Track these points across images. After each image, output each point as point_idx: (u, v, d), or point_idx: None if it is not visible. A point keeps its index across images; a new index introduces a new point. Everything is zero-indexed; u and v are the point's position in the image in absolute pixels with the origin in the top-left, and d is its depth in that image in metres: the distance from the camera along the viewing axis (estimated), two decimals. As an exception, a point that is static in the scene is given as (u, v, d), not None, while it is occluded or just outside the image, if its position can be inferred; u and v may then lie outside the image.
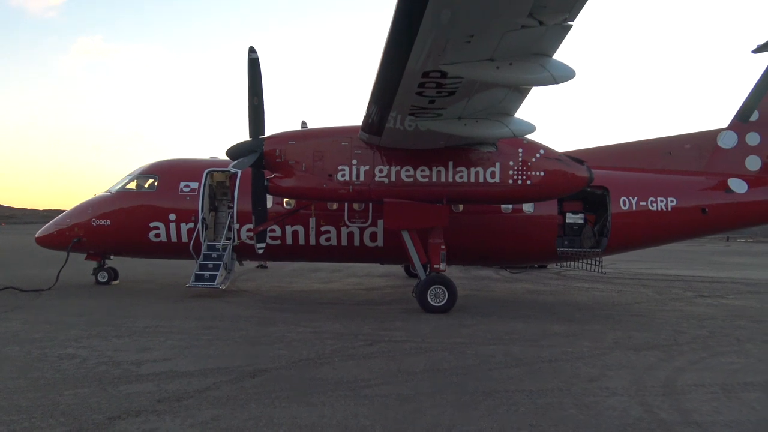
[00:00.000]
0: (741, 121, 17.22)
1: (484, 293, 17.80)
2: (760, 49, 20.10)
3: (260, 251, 14.55)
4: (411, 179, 13.20)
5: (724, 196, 16.59)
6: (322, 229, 15.92)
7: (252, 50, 12.78)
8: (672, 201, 16.28)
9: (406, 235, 13.74)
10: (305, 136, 13.55)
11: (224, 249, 16.17)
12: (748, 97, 17.39)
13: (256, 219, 14.01)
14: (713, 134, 17.38)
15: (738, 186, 16.62)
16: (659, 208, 16.20)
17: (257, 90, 12.92)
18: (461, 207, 15.66)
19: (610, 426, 6.42)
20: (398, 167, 13.16)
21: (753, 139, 17.02)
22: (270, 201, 15.11)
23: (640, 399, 7.35)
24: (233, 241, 16.24)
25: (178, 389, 7.43)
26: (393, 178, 13.17)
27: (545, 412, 6.81)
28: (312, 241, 16.05)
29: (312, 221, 15.80)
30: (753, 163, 16.97)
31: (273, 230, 15.84)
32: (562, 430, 6.26)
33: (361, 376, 8.17)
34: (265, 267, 23.25)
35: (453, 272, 22.15)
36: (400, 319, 12.74)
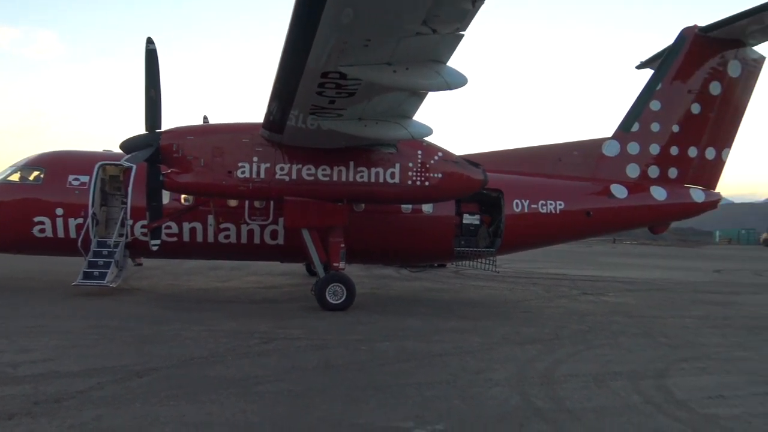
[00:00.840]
0: (623, 131, 18.50)
1: (383, 291, 18.14)
2: (642, 65, 21.74)
3: (155, 248, 14.12)
4: (312, 178, 13.26)
5: (606, 200, 17.76)
6: (221, 226, 15.62)
7: (150, 41, 12.40)
8: (560, 204, 17.24)
9: (306, 234, 13.79)
10: (204, 131, 13.29)
11: (116, 246, 15.53)
12: (630, 109, 18.71)
13: (151, 215, 13.58)
14: (599, 143, 18.57)
15: (619, 192, 17.84)
16: (549, 211, 17.11)
17: (154, 82, 12.54)
18: (363, 206, 15.88)
19: (490, 415, 6.80)
20: (300, 165, 13.18)
21: (633, 148, 18.32)
22: (166, 197, 14.68)
23: (520, 389, 7.81)
24: (126, 237, 15.62)
25: (57, 390, 7.13)
26: (294, 177, 13.18)
27: (431, 404, 7.10)
28: (210, 239, 15.72)
29: (211, 218, 15.50)
30: (633, 171, 18.26)
31: (169, 227, 15.37)
32: (446, 420, 6.56)
33: (254, 374, 8.17)
34: (140, 264, 21.96)
35: (354, 271, 22.35)
36: (298, 317, 12.78)
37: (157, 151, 12.83)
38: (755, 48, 18.45)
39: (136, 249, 16.03)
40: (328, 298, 13.59)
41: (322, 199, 13.41)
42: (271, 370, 8.38)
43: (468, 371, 8.68)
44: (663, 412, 7.02)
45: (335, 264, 13.88)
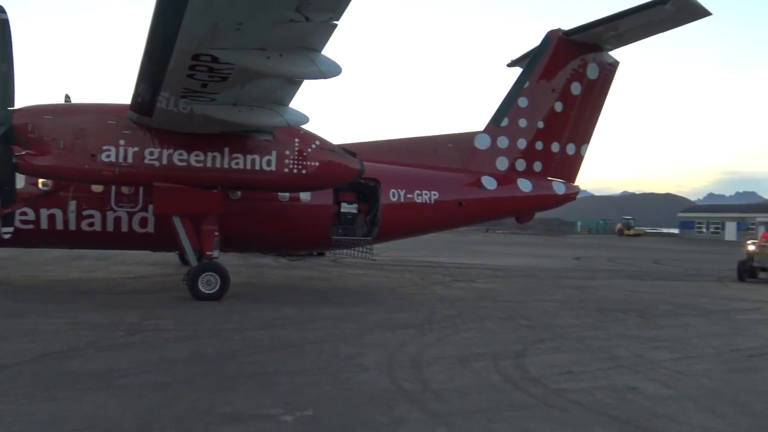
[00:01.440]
0: (494, 125, 19.46)
1: (260, 280, 17.93)
2: (513, 63, 22.92)
3: (6, 236, 13.02)
4: (184, 164, 12.81)
5: (477, 191, 18.62)
6: (84, 213, 14.66)
7: (1, 10, 11.38)
8: (435, 195, 17.85)
9: (177, 221, 13.31)
10: (65, 111, 12.43)
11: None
12: (500, 104, 19.70)
13: (3, 200, 12.52)
14: (471, 136, 19.41)
15: (489, 183, 18.76)
16: (424, 201, 17.66)
17: (6, 55, 11.55)
18: (239, 194, 15.54)
19: (360, 398, 6.97)
20: (171, 150, 12.69)
21: (503, 142, 19.32)
22: (21, 180, 13.57)
23: (389, 373, 8.06)
24: (-26, 224, 14.27)
25: None
26: (165, 162, 12.67)
27: (302, 390, 7.16)
28: (72, 226, 14.71)
29: (72, 204, 14.51)
30: (502, 164, 19.27)
31: (24, 213, 14.22)
32: (315, 406, 6.64)
33: (117, 367, 7.82)
34: None
35: (231, 260, 21.91)
36: (169, 308, 12.35)
37: (10, 131, 11.83)
38: (611, 53, 20.07)
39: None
40: (200, 287, 13.22)
41: (195, 185, 12.99)
42: (137, 363, 8.06)
43: (340, 357, 8.82)
44: (519, 389, 7.53)
45: (209, 253, 13.53)
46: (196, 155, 12.85)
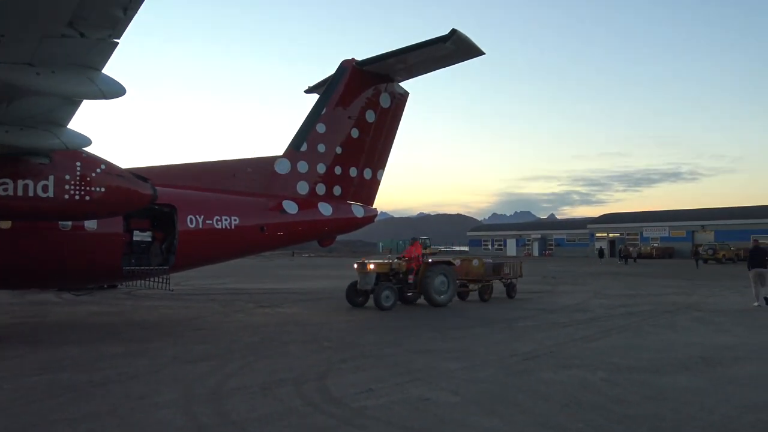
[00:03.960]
0: (294, 150, 19.64)
1: (38, 319, 16.04)
2: (310, 90, 23.41)
3: None
4: (-65, 189, 11.08)
5: (279, 216, 18.59)
6: None
7: None
8: (235, 220, 17.46)
9: (-72, 257, 11.44)
10: None
11: None
12: (299, 129, 19.96)
13: None
14: (271, 160, 19.38)
15: (290, 207, 18.85)
16: (224, 226, 17.18)
17: None
18: (9, 223, 13.78)
19: (152, 440, 6.51)
20: None
21: (303, 167, 19.57)
22: None
23: (186, 408, 7.65)
24: None
25: None
26: None
27: (84, 439, 6.51)
28: None
29: None
30: (302, 188, 19.49)
31: None
32: (100, 454, 6.07)
33: None
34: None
35: (2, 298, 19.38)
36: None
37: None
38: (402, 84, 21.42)
39: None
40: (-39, 332, 11.46)
41: (-50, 215, 11.29)
42: None
43: (131, 398, 8.17)
44: (320, 411, 7.58)
45: (-29, 292, 11.80)
46: (-46, 180, 11.19)
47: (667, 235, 79.28)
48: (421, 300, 19.63)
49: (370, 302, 19.04)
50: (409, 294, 19.49)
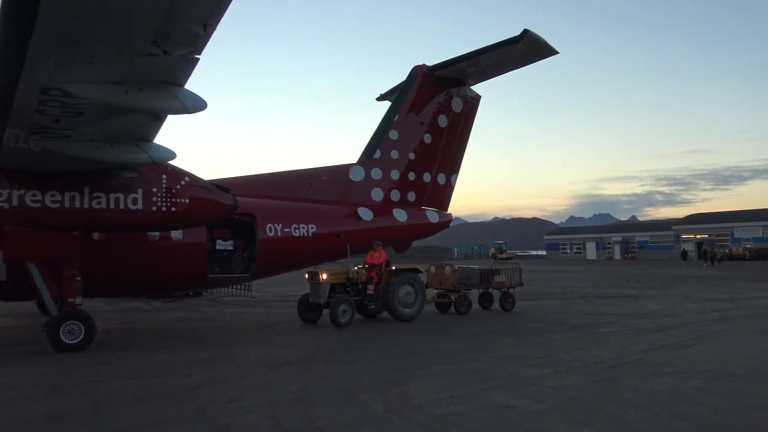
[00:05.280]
0: (367, 157, 19.83)
1: (130, 326, 16.84)
2: (382, 97, 23.60)
3: None
4: (38, 205, 11.86)
5: (355, 223, 18.81)
6: None
7: None
8: (312, 227, 17.80)
9: (33, 268, 12.23)
10: None
11: None
12: (372, 137, 20.15)
13: None
14: (346, 168, 19.65)
15: (365, 214, 19.03)
16: (302, 234, 17.54)
17: None
18: (103, 234, 14.59)
19: (239, 444, 6.66)
20: (22, 191, 11.71)
21: (377, 173, 19.73)
22: None
23: (271, 413, 7.78)
24: None
25: None
26: (15, 203, 11.66)
27: (176, 441, 6.73)
28: None
29: None
30: (377, 195, 19.65)
31: None
32: (191, 456, 6.26)
33: (-39, 435, 6.96)
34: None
35: (98, 305, 20.47)
36: (25, 363, 11.27)
37: None
38: (473, 87, 21.23)
39: None
40: (62, 338, 12.19)
41: (51, 228, 12.04)
42: (-16, 429, 7.22)
43: (218, 402, 8.41)
44: (403, 417, 7.54)
45: (70, 300, 12.55)
46: (52, 195, 11.94)
47: (760, 235, 74.58)
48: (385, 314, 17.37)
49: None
50: (372, 306, 17.09)
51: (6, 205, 11.55)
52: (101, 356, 11.89)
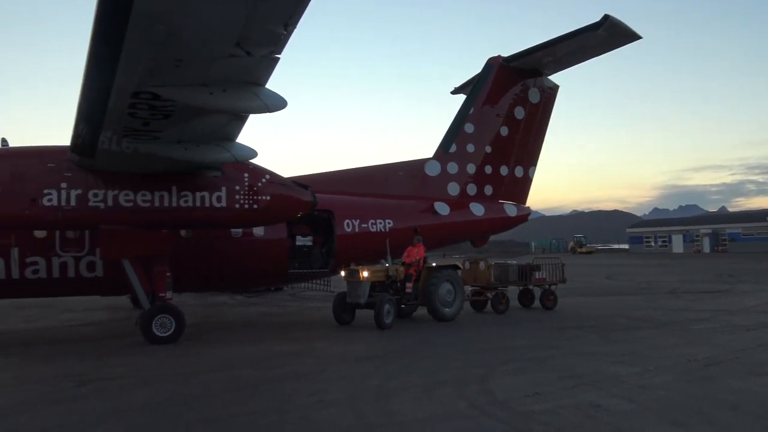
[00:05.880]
0: (443, 151, 19.70)
1: (216, 320, 17.48)
2: (456, 90, 23.38)
3: None
4: (131, 204, 12.48)
5: (431, 217, 18.74)
6: (28, 260, 14.02)
7: None
8: (389, 222, 17.87)
9: (127, 264, 12.89)
10: (1, 156, 11.99)
11: None
12: (447, 131, 19.99)
13: None
14: (421, 163, 19.60)
15: (442, 209, 18.92)
16: (378, 229, 17.64)
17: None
18: (190, 232, 15.20)
19: (324, 436, 6.76)
20: (116, 191, 12.35)
21: (453, 168, 19.57)
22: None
23: (354, 407, 7.86)
24: None
25: None
26: (110, 203, 12.31)
27: (263, 432, 6.91)
28: (15, 275, 14.02)
29: (14, 252, 13.86)
30: (453, 189, 19.50)
31: (-39, 264, 13.53)
32: (278, 447, 6.41)
33: (69, 421, 7.40)
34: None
35: (186, 300, 21.35)
36: (122, 354, 11.88)
37: None
38: (550, 77, 20.67)
39: None
40: (155, 331, 12.77)
41: (143, 226, 12.64)
42: (89, 415, 7.66)
43: (302, 395, 8.58)
44: (486, 414, 7.44)
45: (161, 294, 13.14)
46: (143, 195, 12.54)
47: None
48: (418, 313, 16.29)
49: (360, 320, 15.57)
50: (402, 306, 15.84)
51: (102, 205, 12.21)
52: (191, 348, 12.38)
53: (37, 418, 7.56)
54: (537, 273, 18.42)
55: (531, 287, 18.63)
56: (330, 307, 15.54)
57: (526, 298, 18.78)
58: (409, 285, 15.57)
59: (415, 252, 15.94)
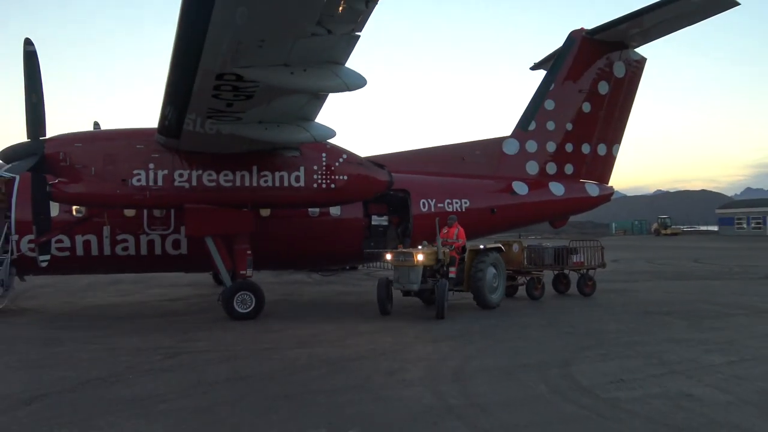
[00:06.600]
0: (522, 129, 19.15)
1: (294, 297, 17.83)
2: (536, 66, 22.63)
3: (44, 264, 13.13)
4: (214, 184, 12.83)
5: (509, 197, 18.32)
6: (119, 237, 14.74)
7: (28, 42, 11.58)
8: (466, 202, 17.61)
9: (210, 242, 13.30)
10: (94, 138, 12.57)
11: (0, 263, 14.35)
12: (526, 108, 19.41)
13: (38, 229, 12.66)
14: (499, 141, 19.13)
15: (520, 188, 18.45)
16: (455, 209, 17.39)
17: (35, 86, 11.72)
18: (269, 211, 15.50)
19: (404, 416, 6.75)
20: (200, 171, 12.72)
21: (531, 146, 19.01)
22: (55, 209, 13.71)
23: (433, 388, 7.81)
24: (11, 254, 14.45)
25: (-70, 427, 6.43)
26: (194, 183, 12.70)
27: (344, 409, 6.97)
28: (107, 252, 14.81)
29: (106, 230, 14.60)
30: (532, 168, 18.95)
31: (60, 241, 14.37)
32: (359, 424, 6.45)
33: (157, 392, 7.73)
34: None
35: (265, 277, 21.90)
36: (205, 329, 12.30)
37: (42, 160, 11.98)
38: (637, 50, 19.64)
39: (24, 266, 14.86)
40: (236, 307, 13.16)
41: (225, 205, 12.98)
42: (176, 387, 7.98)
43: (381, 373, 8.61)
44: (568, 400, 7.22)
45: (242, 272, 13.50)
46: (225, 175, 12.85)
47: None
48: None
49: (400, 309, 14.31)
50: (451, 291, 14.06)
51: (187, 185, 12.62)
52: (270, 325, 12.68)
53: (128, 388, 7.92)
54: (574, 256, 17.20)
55: (567, 272, 17.60)
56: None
57: (561, 283, 17.67)
58: (452, 269, 14.16)
59: (455, 233, 14.56)
